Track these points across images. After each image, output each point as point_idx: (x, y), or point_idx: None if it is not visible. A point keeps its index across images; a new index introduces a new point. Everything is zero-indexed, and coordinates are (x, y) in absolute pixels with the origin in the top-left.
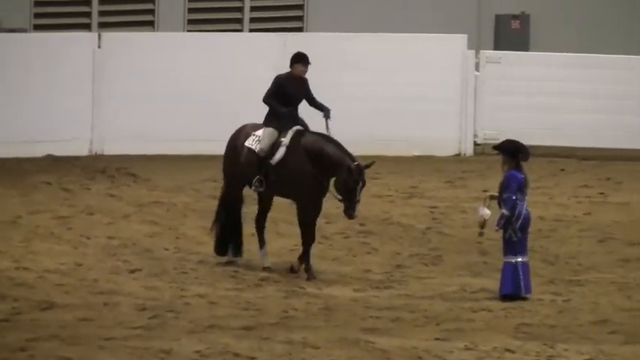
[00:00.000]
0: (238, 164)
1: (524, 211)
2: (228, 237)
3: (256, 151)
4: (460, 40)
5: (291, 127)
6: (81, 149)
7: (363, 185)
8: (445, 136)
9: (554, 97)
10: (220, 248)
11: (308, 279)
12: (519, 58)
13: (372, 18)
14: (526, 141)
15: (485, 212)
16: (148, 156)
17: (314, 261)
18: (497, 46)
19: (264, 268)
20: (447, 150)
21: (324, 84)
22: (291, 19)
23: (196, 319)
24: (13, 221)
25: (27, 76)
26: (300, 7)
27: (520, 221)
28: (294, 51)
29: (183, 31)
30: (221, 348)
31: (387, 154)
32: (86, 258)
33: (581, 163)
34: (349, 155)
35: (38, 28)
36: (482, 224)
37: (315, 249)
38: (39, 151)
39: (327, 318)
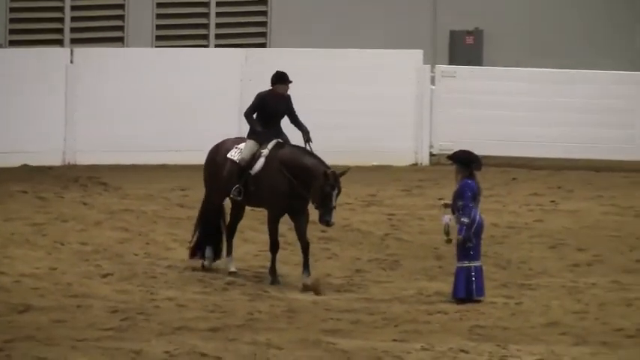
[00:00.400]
0: (220, 176)
1: (477, 218)
2: (206, 243)
3: (237, 161)
4: (416, 55)
5: (268, 138)
6: (55, 159)
7: (339, 192)
8: (402, 146)
9: (507, 109)
10: (195, 252)
11: (272, 282)
12: (473, 72)
13: (331, 34)
14: (479, 151)
15: (448, 218)
16: (118, 166)
17: (278, 266)
18: (452, 61)
19: (230, 273)
20: (404, 160)
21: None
22: (255, 35)
23: (166, 321)
24: None
25: (3, 90)
26: (264, 24)
27: (474, 227)
28: (256, 65)
29: (152, 46)
30: (189, 349)
31: (346, 164)
32: (60, 263)
33: (532, 172)
34: (324, 164)
35: (13, 43)
36: (448, 231)
37: (278, 254)
38: (15, 161)
39: (290, 320)
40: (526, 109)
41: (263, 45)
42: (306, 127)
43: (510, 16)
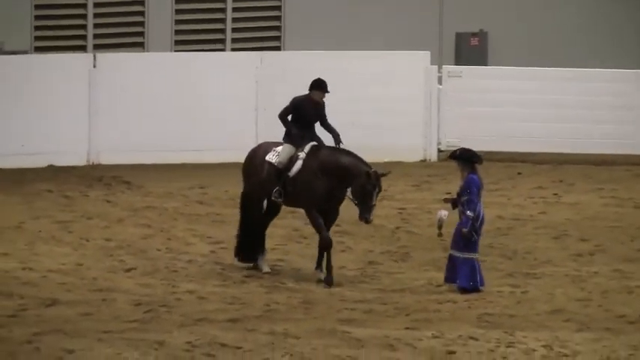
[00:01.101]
0: (259, 178)
1: (482, 212)
2: (252, 246)
3: (275, 164)
4: (424, 56)
5: (307, 143)
6: (79, 160)
7: (379, 191)
8: (412, 144)
9: (510, 107)
10: (243, 255)
11: (327, 281)
12: (478, 72)
13: (343, 37)
14: (485, 147)
15: (444, 214)
16: (140, 165)
17: (294, 259)
18: (458, 62)
19: (265, 273)
20: (413, 156)
21: None
22: (270, 39)
23: (187, 313)
24: (17, 226)
25: (30, 94)
26: (278, 28)
27: (479, 222)
28: (271, 68)
29: (171, 50)
30: (210, 339)
31: None
32: (85, 258)
33: (535, 167)
34: (365, 163)
35: (38, 50)
36: (440, 226)
37: (293, 247)
38: (41, 162)
39: (306, 311)
40: (529, 106)
41: (277, 48)
42: (336, 130)
43: (513, 18)
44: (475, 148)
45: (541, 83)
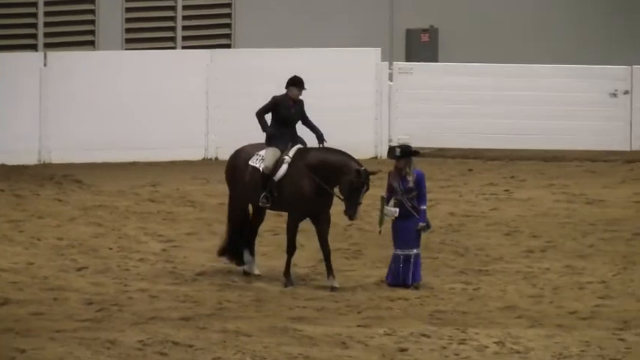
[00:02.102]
0: (243, 183)
1: None
2: (239, 247)
3: (261, 169)
4: (374, 53)
5: (292, 146)
6: (30, 158)
7: (367, 189)
8: (363, 140)
9: (461, 103)
10: (233, 256)
11: (332, 289)
12: (429, 68)
13: (294, 34)
14: (436, 144)
15: (395, 210)
16: (92, 164)
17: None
18: (409, 58)
19: (255, 276)
20: (365, 153)
21: (250, 96)
22: (220, 37)
23: (139, 312)
24: None
25: None
26: (228, 25)
27: None
28: (222, 65)
29: (121, 49)
30: (162, 337)
31: None
32: (37, 257)
33: (487, 163)
34: (355, 160)
35: None
36: (382, 222)
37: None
38: None
39: (258, 309)
40: (480, 102)
41: (228, 46)
42: (318, 129)
43: (463, 14)
44: (426, 145)
45: (491, 79)
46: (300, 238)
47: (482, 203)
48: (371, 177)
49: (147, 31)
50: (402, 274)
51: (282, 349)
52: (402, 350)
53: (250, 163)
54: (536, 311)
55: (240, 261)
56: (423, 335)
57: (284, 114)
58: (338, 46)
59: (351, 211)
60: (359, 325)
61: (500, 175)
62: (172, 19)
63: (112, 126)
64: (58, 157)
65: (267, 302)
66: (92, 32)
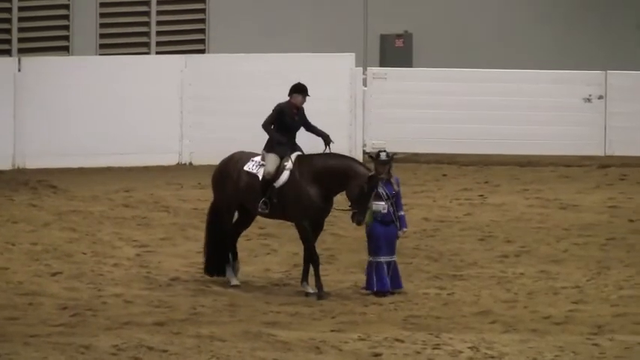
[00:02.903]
0: (235, 189)
1: None
2: (222, 258)
3: (261, 174)
4: (349, 58)
5: (291, 153)
6: (4, 164)
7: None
8: (337, 145)
9: (436, 108)
10: (213, 269)
11: (319, 297)
12: (403, 73)
13: (268, 39)
14: (410, 149)
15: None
16: (66, 169)
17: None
18: (383, 63)
19: (233, 286)
20: None
21: (226, 101)
22: (194, 42)
23: (113, 317)
24: None
25: None
26: (202, 31)
27: None
28: (196, 70)
29: (96, 54)
30: (136, 342)
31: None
32: (11, 263)
33: (461, 168)
34: (363, 165)
35: None
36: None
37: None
38: None
39: (232, 314)
40: (454, 108)
41: (202, 51)
42: (324, 131)
43: (438, 19)
44: (400, 150)
45: (465, 85)
46: (272, 243)
47: (457, 208)
48: None
49: (121, 37)
50: (387, 281)
51: (256, 354)
52: (376, 355)
53: (245, 168)
54: (511, 316)
55: (217, 273)
56: (397, 340)
57: (288, 122)
58: (312, 52)
59: (360, 217)
60: (333, 330)
61: (474, 181)
62: (146, 24)
63: (86, 131)
64: (32, 163)
65: (241, 307)
66: (66, 37)
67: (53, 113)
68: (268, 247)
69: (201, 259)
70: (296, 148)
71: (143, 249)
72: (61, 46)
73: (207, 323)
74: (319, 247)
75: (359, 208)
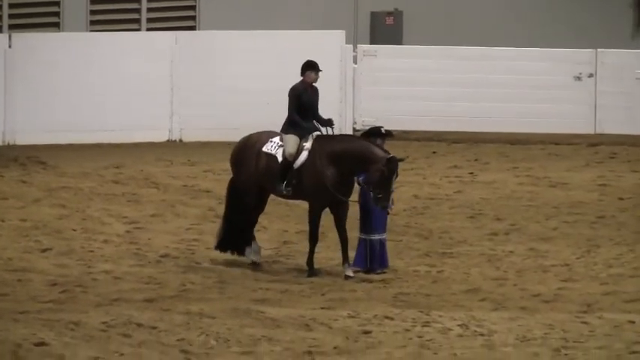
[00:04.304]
0: (255, 170)
1: None
2: (237, 236)
3: (281, 156)
4: (339, 35)
5: (310, 133)
6: None
7: (397, 176)
8: None
9: (426, 86)
10: (224, 245)
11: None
12: (393, 51)
13: (258, 16)
14: (400, 127)
15: None
16: (56, 145)
17: (209, 239)
18: (373, 41)
19: (253, 263)
20: None
21: (216, 78)
22: (185, 19)
23: (102, 293)
24: None
25: None
26: (193, 7)
27: None
28: (187, 47)
29: (86, 31)
30: (125, 319)
31: None
32: (1, 239)
33: (451, 145)
34: (382, 148)
35: None
36: None
37: (208, 227)
38: None
39: (221, 291)
40: (444, 85)
41: (193, 28)
42: (330, 118)
43: None
44: (390, 127)
45: (455, 62)
46: (262, 220)
47: (447, 186)
48: None
49: (112, 13)
50: (379, 258)
51: (245, 330)
52: (366, 332)
53: (264, 149)
54: (500, 294)
55: (241, 251)
56: (387, 318)
57: (306, 100)
58: (302, 29)
59: (384, 202)
60: (322, 308)
61: (464, 158)
62: (137, 1)
63: (76, 108)
64: (22, 139)
65: (230, 284)
66: (57, 14)
67: (43, 90)
68: (258, 224)
69: (190, 235)
70: (314, 128)
71: (133, 225)
72: (51, 22)
73: (196, 300)
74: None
75: (382, 192)
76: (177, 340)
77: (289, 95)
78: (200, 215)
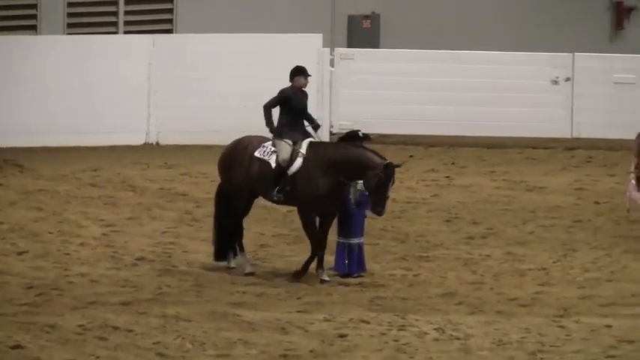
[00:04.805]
0: (246, 175)
1: None
2: (228, 244)
3: (274, 162)
4: (316, 38)
5: (302, 139)
6: None
7: (393, 183)
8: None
9: (403, 89)
10: (220, 255)
11: (321, 280)
12: (370, 54)
13: (236, 20)
14: (377, 130)
15: None
16: (32, 148)
17: (185, 242)
18: (350, 44)
19: (247, 274)
20: None
21: (193, 81)
22: (162, 22)
23: (79, 296)
24: None
25: None
26: (170, 10)
27: None
28: (164, 50)
29: (64, 33)
30: (101, 322)
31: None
32: None
33: (428, 149)
34: (378, 155)
35: None
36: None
37: (184, 230)
38: None
39: (197, 294)
40: (421, 88)
41: (170, 31)
42: (316, 121)
43: (405, 0)
44: (368, 131)
45: (432, 66)
46: None
47: (423, 190)
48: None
49: (89, 16)
50: (357, 262)
51: (221, 334)
52: (342, 336)
53: (256, 154)
54: (476, 298)
55: (225, 258)
56: (363, 321)
57: (295, 105)
58: (280, 32)
59: (380, 208)
60: (298, 311)
61: (441, 162)
62: (114, 3)
63: (53, 110)
64: None
65: (206, 287)
66: (34, 17)
67: (20, 92)
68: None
69: (167, 238)
70: (307, 133)
71: (109, 228)
72: (29, 25)
73: (172, 303)
74: (286, 227)
75: (378, 198)
76: (154, 343)
77: (278, 93)
78: (177, 218)
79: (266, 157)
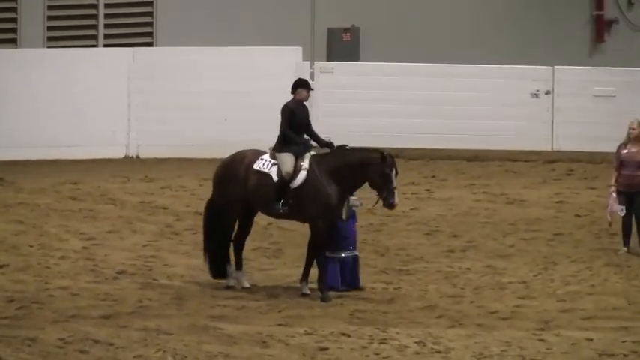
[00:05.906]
0: (244, 188)
1: None
2: (222, 261)
3: (276, 175)
4: (296, 52)
5: (305, 152)
6: None
7: (397, 173)
8: None
9: (383, 102)
10: (217, 271)
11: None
12: (350, 67)
13: (215, 33)
14: (357, 143)
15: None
16: (13, 161)
17: (166, 255)
18: (330, 57)
19: (244, 288)
20: None
21: (173, 94)
22: (142, 35)
23: (60, 310)
24: None
25: None
26: (150, 24)
27: None
28: (144, 63)
29: (44, 47)
30: (82, 335)
31: None
32: None
33: (408, 162)
34: (371, 150)
35: None
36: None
37: (165, 243)
38: None
39: (178, 307)
40: (401, 102)
41: (150, 44)
42: (323, 139)
43: (384, 14)
44: (347, 144)
45: (413, 79)
46: None
47: (404, 202)
48: None
49: (69, 29)
50: (350, 276)
51: (202, 347)
52: (323, 349)
53: (255, 167)
54: (457, 311)
55: (222, 275)
56: (344, 334)
57: (300, 118)
58: (260, 45)
59: (391, 199)
60: (279, 324)
61: (421, 175)
62: (94, 17)
63: (33, 124)
64: None
65: (187, 300)
66: (14, 30)
67: (0, 105)
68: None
69: (147, 252)
70: (309, 146)
71: (90, 242)
72: (8, 38)
73: (153, 316)
74: (266, 240)
75: (387, 192)
76: (135, 356)
77: (282, 112)
78: (157, 232)
79: (266, 170)
